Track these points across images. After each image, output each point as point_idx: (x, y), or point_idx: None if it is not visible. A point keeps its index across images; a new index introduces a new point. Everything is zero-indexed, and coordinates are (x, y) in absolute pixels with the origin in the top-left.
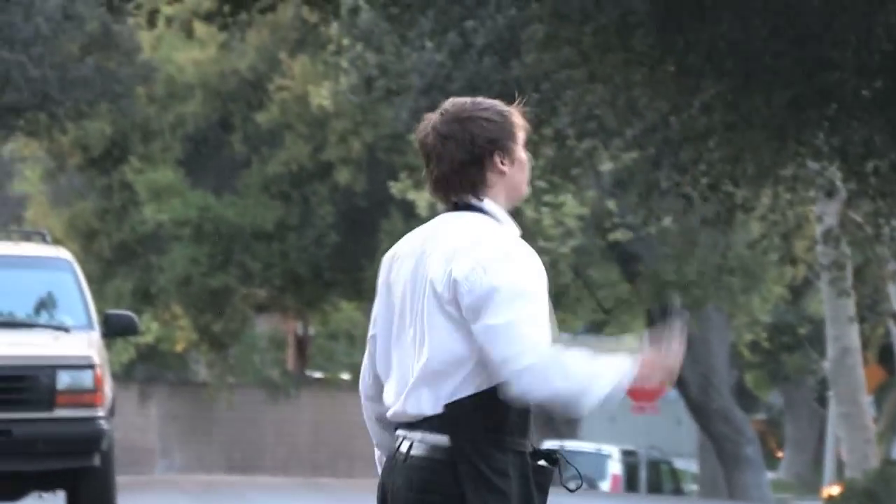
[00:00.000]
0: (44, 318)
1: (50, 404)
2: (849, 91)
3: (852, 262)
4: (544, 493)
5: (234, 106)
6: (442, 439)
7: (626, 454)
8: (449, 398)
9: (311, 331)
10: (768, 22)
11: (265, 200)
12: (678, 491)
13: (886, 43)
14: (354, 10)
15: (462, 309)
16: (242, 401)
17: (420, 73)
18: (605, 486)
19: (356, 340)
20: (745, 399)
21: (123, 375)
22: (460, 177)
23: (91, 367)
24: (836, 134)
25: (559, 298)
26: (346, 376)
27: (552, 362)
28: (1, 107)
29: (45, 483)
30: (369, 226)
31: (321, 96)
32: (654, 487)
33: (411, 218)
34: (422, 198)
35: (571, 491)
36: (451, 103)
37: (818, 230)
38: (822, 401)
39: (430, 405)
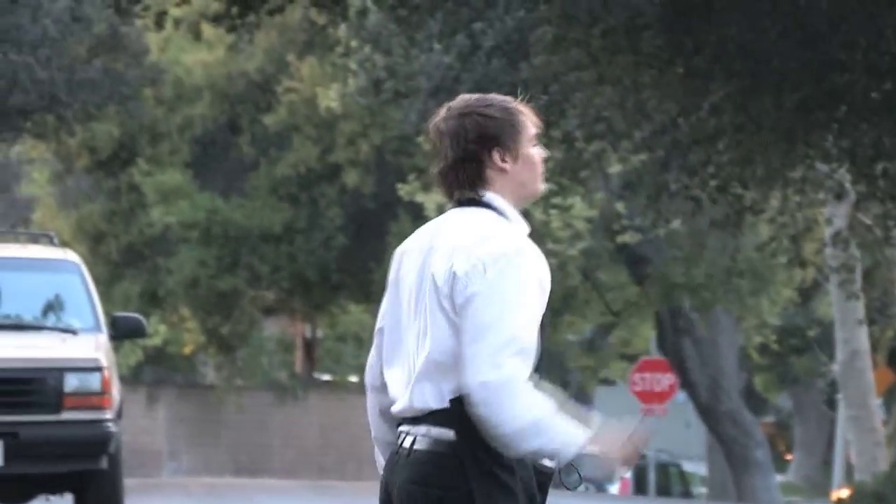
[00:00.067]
0: (51, 320)
1: (57, 407)
2: (858, 93)
3: (861, 265)
4: (544, 493)
5: (242, 108)
6: (447, 433)
7: None
8: (454, 392)
9: (320, 333)
10: (777, 24)
11: (273, 203)
12: (687, 494)
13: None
14: (363, 12)
15: (455, 304)
16: (250, 403)
17: (428, 75)
18: (613, 488)
19: (364, 343)
20: (754, 402)
21: (131, 378)
22: (457, 172)
23: (99, 369)
24: (845, 136)
25: (568, 301)
26: (354, 379)
27: (512, 388)
28: (9, 109)
29: (53, 486)
30: (377, 228)
31: (329, 98)
32: (663, 490)
33: (420, 220)
34: (430, 200)
35: (571, 490)
36: (458, 99)
37: (827, 233)
38: (831, 404)
39: (435, 399)
